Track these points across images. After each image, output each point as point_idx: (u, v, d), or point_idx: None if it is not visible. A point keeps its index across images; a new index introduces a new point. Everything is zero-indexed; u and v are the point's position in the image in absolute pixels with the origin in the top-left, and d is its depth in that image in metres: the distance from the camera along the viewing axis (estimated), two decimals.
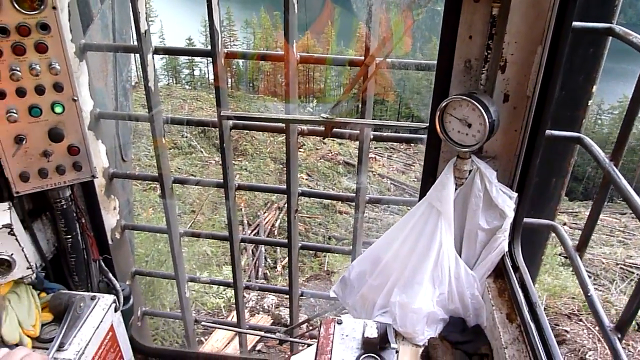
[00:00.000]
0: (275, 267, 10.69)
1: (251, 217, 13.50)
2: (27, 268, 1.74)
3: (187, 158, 16.09)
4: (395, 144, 20.37)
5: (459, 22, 1.64)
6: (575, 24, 1.55)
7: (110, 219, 2.73)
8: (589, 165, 24.86)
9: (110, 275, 2.12)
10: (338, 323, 1.80)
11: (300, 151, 16.60)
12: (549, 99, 1.60)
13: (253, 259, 10.55)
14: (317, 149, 18.56)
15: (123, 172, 2.80)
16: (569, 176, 2.34)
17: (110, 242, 2.64)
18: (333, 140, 19.51)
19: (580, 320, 4.79)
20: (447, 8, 1.63)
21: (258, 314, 6.29)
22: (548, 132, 1.72)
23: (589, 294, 1.65)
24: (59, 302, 1.84)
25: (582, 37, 2.01)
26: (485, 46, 1.62)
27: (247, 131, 17.98)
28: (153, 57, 2.45)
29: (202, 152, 16.73)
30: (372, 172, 16.73)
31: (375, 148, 19.53)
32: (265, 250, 11.13)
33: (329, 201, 14.74)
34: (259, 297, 6.58)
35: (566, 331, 4.55)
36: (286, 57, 2.30)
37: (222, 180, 2.69)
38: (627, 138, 1.62)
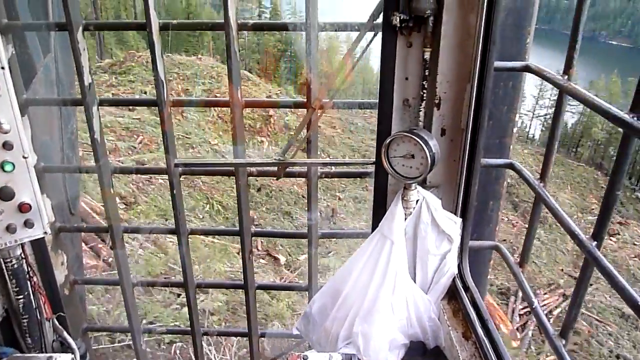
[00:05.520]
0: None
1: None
2: None
3: None
4: None
5: (395, 65, 1.79)
6: (498, 63, 1.74)
7: (59, 274, 2.63)
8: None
9: (65, 334, 2.05)
10: (303, 359, 1.84)
11: None
12: (481, 129, 1.77)
13: None
14: None
15: (71, 225, 2.72)
16: (503, 199, 2.53)
17: None
18: None
19: None
20: (383, 53, 1.78)
21: None
22: (483, 160, 1.89)
23: (533, 306, 1.79)
24: None
25: (502, 73, 2.23)
26: (421, 86, 1.78)
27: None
28: (98, 110, 2.45)
29: None
30: None
31: None
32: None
33: None
34: None
35: None
36: (232, 102, 2.38)
37: (174, 227, 2.69)
38: (552, 160, 1.81)
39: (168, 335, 4.47)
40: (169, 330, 3.43)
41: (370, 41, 2.01)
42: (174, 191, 2.56)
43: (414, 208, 1.88)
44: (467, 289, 1.92)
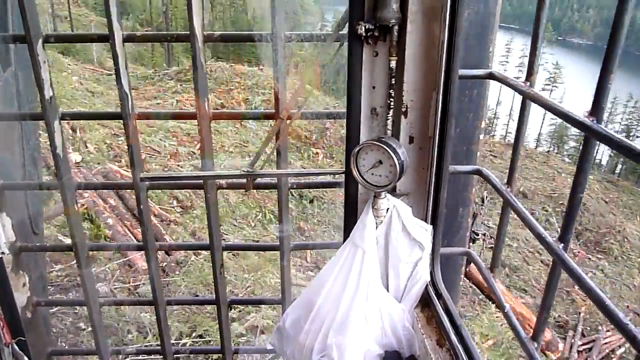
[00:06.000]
0: None
1: (588, 329, 10.94)
2: None
3: None
4: None
5: (362, 74, 1.80)
6: (462, 71, 1.76)
7: (20, 297, 2.52)
8: None
9: (26, 359, 1.95)
10: None
11: None
12: (448, 136, 1.78)
13: None
14: None
15: (33, 245, 2.62)
16: (472, 205, 2.57)
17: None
18: None
19: None
20: (350, 62, 1.79)
21: None
22: (452, 167, 1.90)
23: (505, 310, 1.80)
24: None
25: (467, 82, 2.28)
26: (388, 95, 1.79)
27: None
28: (60, 124, 2.38)
29: None
30: None
31: None
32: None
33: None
34: None
35: None
36: (199, 114, 2.34)
37: (142, 243, 2.62)
38: (517, 165, 1.84)
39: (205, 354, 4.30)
40: (138, 350, 3.31)
41: (337, 51, 2.02)
42: (141, 206, 2.49)
43: (385, 216, 1.88)
44: (439, 296, 1.92)
